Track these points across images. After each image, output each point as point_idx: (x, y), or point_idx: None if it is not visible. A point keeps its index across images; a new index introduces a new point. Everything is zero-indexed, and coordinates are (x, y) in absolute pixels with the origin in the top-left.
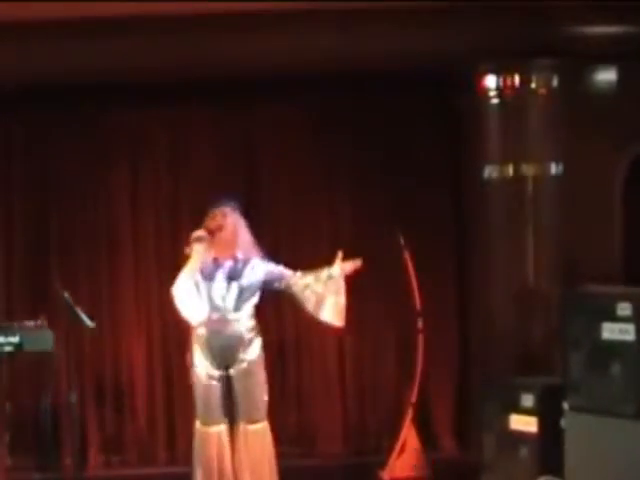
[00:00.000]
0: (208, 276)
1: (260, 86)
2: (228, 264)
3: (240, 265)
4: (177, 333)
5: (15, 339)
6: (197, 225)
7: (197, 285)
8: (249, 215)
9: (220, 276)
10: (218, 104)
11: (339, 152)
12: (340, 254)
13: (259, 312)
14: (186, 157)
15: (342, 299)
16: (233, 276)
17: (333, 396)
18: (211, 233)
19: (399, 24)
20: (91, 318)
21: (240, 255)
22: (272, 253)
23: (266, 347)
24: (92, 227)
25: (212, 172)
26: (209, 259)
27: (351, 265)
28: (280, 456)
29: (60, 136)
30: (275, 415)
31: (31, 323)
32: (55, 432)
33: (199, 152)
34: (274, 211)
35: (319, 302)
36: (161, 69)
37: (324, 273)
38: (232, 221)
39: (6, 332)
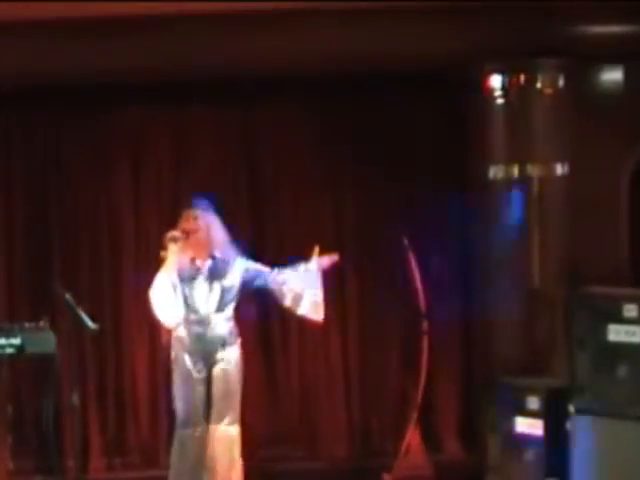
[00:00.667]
0: (188, 278)
1: (262, 86)
2: (208, 264)
3: (221, 265)
4: None
5: (16, 341)
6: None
7: (174, 287)
8: (253, 215)
9: (201, 277)
10: (220, 103)
11: (342, 152)
12: (317, 249)
13: (263, 315)
14: (188, 157)
15: (319, 293)
16: (215, 276)
17: (337, 398)
18: (185, 234)
19: (402, 24)
20: (93, 320)
21: (218, 254)
22: (275, 253)
23: (269, 349)
24: (94, 227)
25: (215, 172)
26: (186, 261)
27: (328, 259)
28: (283, 458)
29: (61, 136)
30: (278, 417)
31: (33, 325)
32: (57, 435)
33: (201, 151)
34: (277, 211)
35: (297, 297)
36: (162, 68)
37: (301, 268)
38: (205, 222)
39: (7, 334)
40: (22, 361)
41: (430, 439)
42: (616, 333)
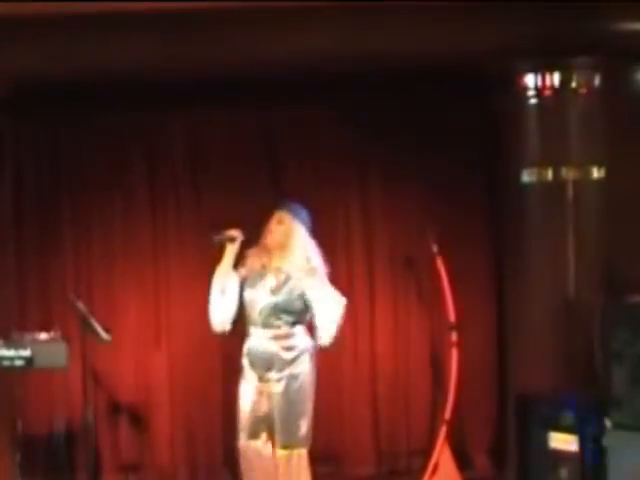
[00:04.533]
0: (251, 284)
1: (290, 84)
2: (270, 276)
3: (282, 278)
4: (198, 348)
5: (26, 353)
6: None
7: (223, 291)
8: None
9: (262, 288)
10: (237, 103)
11: (371, 153)
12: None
13: None
14: (205, 158)
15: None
16: (274, 290)
17: (363, 414)
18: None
19: (434, 21)
20: (107, 331)
21: (288, 266)
22: None
23: None
24: (108, 234)
25: (233, 174)
26: (258, 265)
27: None
28: None
29: (75, 137)
30: None
31: (43, 335)
32: (69, 452)
33: (219, 153)
34: None
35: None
36: (178, 68)
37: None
38: (286, 228)
39: (17, 345)
40: (32, 374)
41: (460, 455)
42: None
